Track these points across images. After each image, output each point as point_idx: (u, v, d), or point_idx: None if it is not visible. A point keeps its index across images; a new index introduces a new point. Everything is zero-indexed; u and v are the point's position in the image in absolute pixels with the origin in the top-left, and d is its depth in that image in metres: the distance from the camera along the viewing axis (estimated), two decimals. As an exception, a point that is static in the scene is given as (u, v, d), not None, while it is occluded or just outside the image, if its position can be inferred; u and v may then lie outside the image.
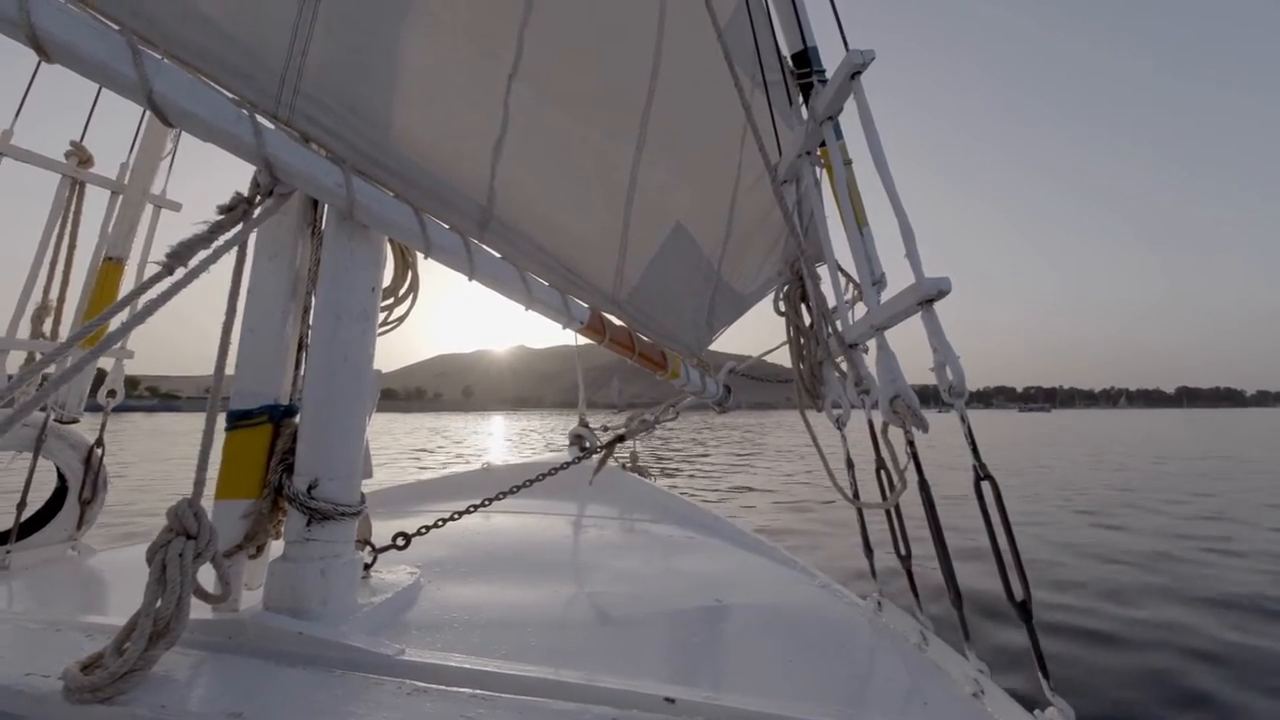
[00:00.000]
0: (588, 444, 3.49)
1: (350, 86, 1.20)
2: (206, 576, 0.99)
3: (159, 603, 0.89)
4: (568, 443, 3.65)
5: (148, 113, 2.22)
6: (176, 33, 1.01)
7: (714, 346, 2.19)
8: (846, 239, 1.41)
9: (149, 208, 2.08)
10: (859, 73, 1.18)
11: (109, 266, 1.97)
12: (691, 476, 11.79)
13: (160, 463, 14.23)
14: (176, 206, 2.16)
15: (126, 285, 2.02)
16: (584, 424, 3.61)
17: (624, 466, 3.32)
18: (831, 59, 1.58)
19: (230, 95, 1.04)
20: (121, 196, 2.03)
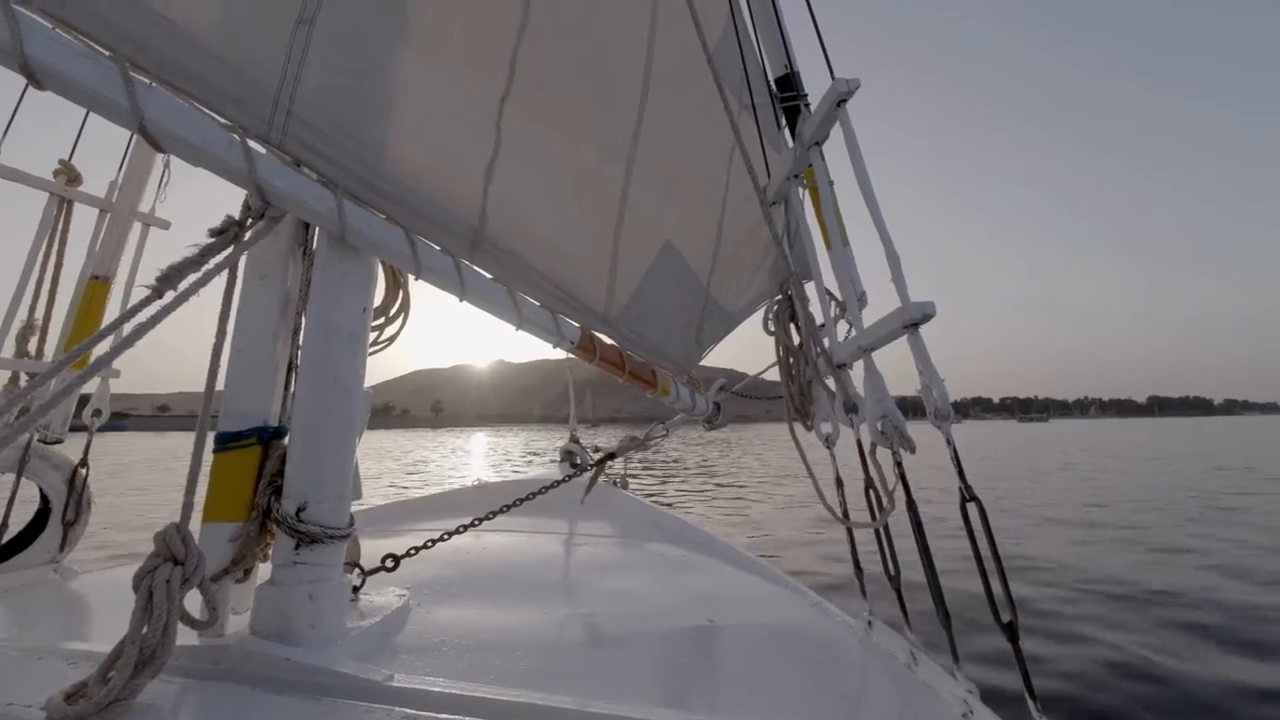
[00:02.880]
0: (578, 460, 3.47)
1: (344, 110, 1.21)
2: (193, 601, 0.98)
3: (145, 630, 0.88)
4: (558, 459, 3.62)
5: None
6: (168, 58, 1.01)
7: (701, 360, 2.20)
8: (830, 258, 1.44)
9: (137, 225, 2.08)
10: (844, 100, 1.21)
11: (95, 285, 1.96)
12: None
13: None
14: (165, 225, 2.15)
15: (113, 304, 2.01)
16: (575, 439, 3.58)
17: (614, 483, 3.31)
18: (818, 84, 1.62)
19: (222, 120, 1.05)
20: (109, 215, 2.02)
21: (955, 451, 1.02)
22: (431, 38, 1.36)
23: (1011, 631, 0.96)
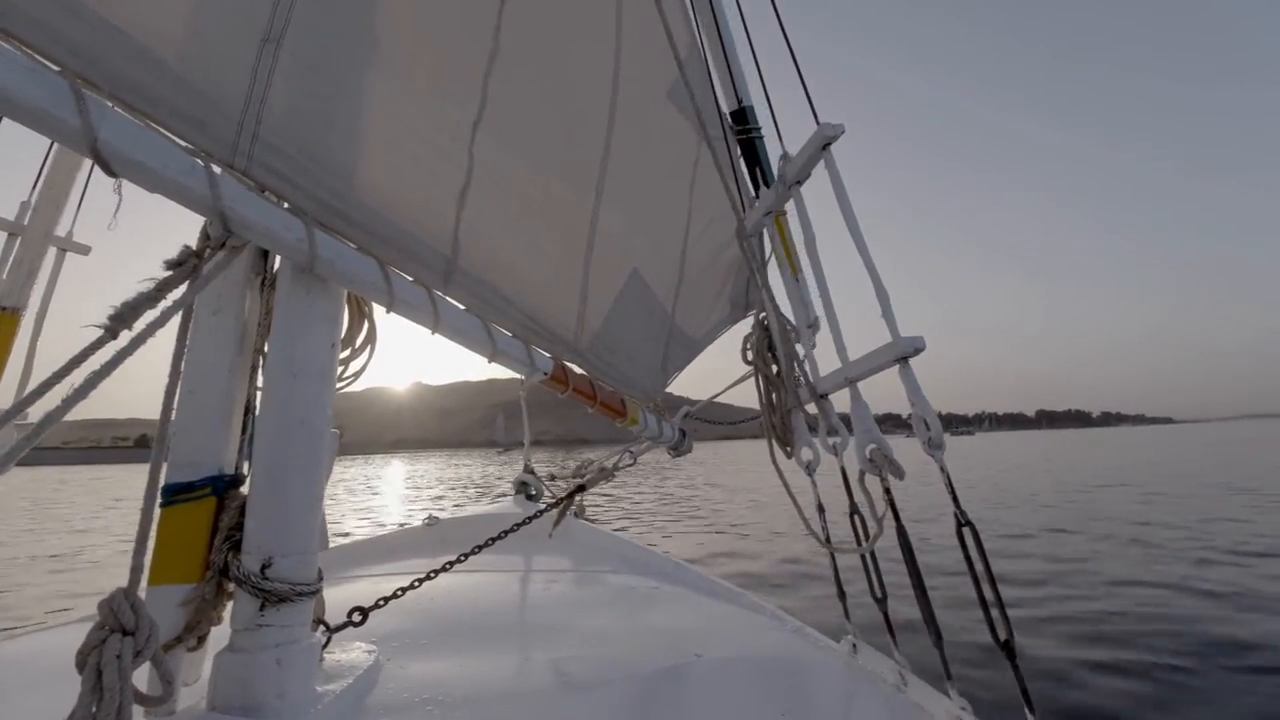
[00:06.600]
0: (534, 491, 3.36)
1: (312, 134, 1.14)
2: (138, 674, 0.87)
3: (96, 712, 0.77)
4: (513, 490, 3.48)
5: (53, 148, 2.02)
6: (123, 75, 0.93)
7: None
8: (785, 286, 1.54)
9: (52, 251, 1.89)
10: (830, 143, 1.25)
11: (3, 317, 1.76)
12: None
13: None
14: (85, 250, 1.96)
15: (22, 337, 1.81)
16: (529, 470, 3.45)
17: (573, 513, 3.23)
18: (798, 127, 1.69)
19: (183, 144, 0.97)
20: (20, 239, 1.83)
21: (949, 478, 1.04)
22: (402, 60, 1.31)
23: (1008, 650, 0.99)
